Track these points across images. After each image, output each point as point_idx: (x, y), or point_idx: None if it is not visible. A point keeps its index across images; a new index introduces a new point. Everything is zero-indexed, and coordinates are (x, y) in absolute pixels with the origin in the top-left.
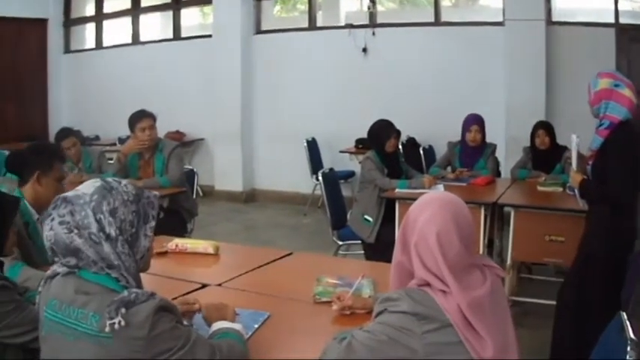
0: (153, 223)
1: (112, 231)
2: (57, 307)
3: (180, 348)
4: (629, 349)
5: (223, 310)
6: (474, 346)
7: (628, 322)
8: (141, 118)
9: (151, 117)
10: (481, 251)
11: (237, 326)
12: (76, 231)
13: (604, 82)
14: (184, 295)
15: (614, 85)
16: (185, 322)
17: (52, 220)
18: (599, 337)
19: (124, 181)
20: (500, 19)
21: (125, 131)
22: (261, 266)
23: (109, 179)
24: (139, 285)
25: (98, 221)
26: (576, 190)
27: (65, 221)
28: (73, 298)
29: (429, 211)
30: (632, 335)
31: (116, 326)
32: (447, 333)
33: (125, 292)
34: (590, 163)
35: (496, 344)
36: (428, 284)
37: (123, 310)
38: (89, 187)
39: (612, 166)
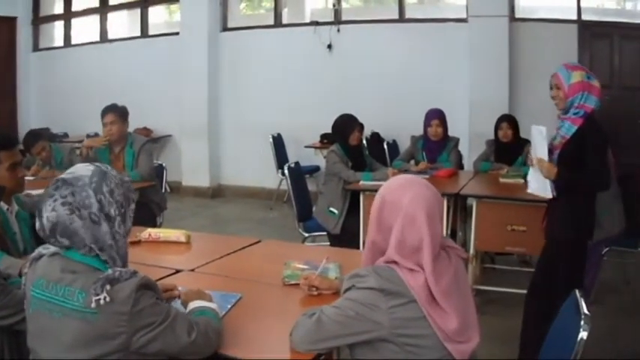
0: (133, 206)
1: (112, 211)
2: (44, 285)
3: (161, 323)
4: (582, 322)
5: (201, 293)
6: (437, 322)
7: (582, 299)
8: (103, 114)
9: (114, 113)
10: None
11: (212, 305)
12: (77, 212)
13: (578, 75)
14: (159, 280)
15: (587, 77)
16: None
17: (55, 200)
18: None
19: (109, 167)
20: (463, 15)
21: (93, 128)
22: (231, 253)
23: (99, 164)
24: (126, 265)
25: (99, 201)
26: (550, 182)
27: (68, 202)
28: (60, 277)
29: (412, 192)
30: (585, 311)
31: (101, 302)
32: (412, 308)
33: (109, 271)
34: (558, 151)
35: (460, 321)
36: (395, 262)
37: (108, 287)
38: (85, 170)
39: (592, 154)
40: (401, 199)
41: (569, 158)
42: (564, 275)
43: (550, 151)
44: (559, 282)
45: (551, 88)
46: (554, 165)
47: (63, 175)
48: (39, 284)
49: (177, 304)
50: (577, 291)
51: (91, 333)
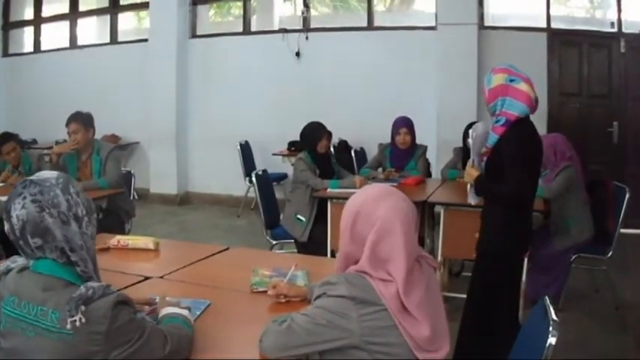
0: (96, 215)
1: (79, 211)
2: (15, 303)
3: (138, 339)
4: (551, 328)
5: (168, 302)
6: (408, 330)
7: (551, 306)
8: (67, 123)
9: (76, 121)
10: None
11: (184, 312)
12: (47, 210)
13: (498, 78)
14: (128, 287)
15: (510, 80)
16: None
17: (24, 198)
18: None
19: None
20: (432, 23)
21: (62, 134)
22: (199, 260)
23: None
24: (96, 267)
25: (67, 201)
26: (469, 186)
27: (37, 200)
28: (32, 295)
29: (388, 204)
30: (554, 317)
31: (77, 324)
32: (383, 317)
33: (82, 288)
34: (485, 160)
35: (432, 329)
36: (367, 272)
37: (82, 308)
38: (50, 173)
39: (508, 165)
40: (375, 210)
41: (492, 168)
42: (492, 294)
43: (482, 159)
44: (488, 301)
45: None
46: (478, 169)
47: (30, 177)
48: (10, 301)
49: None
50: (547, 298)
51: (67, 352)
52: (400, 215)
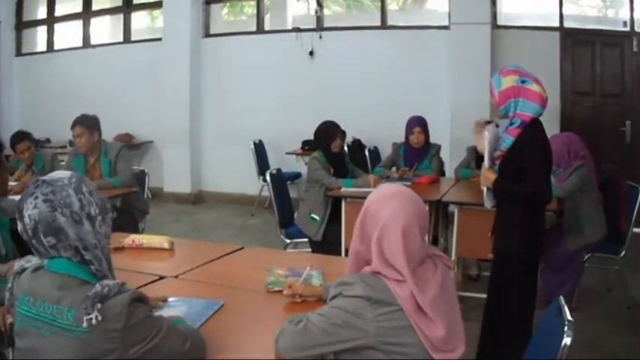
0: (111, 215)
1: (92, 210)
2: (31, 302)
3: (154, 337)
4: (566, 329)
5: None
6: (423, 331)
7: (565, 306)
8: (72, 126)
9: (81, 125)
10: None
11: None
12: (59, 209)
13: (509, 80)
14: (143, 286)
15: (521, 81)
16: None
17: (36, 198)
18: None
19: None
20: (445, 22)
21: None
22: (214, 259)
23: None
24: (110, 266)
25: (80, 200)
26: (485, 189)
27: (49, 199)
28: (47, 294)
29: (393, 204)
30: (569, 317)
31: (93, 322)
32: (398, 317)
33: (98, 286)
34: (498, 163)
35: (447, 329)
36: (381, 272)
37: (98, 305)
38: (63, 173)
39: (530, 166)
40: (381, 210)
41: (507, 171)
42: (510, 294)
43: (494, 163)
44: (506, 302)
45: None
46: (495, 172)
47: (42, 177)
48: (25, 301)
49: None
50: (561, 298)
51: (83, 351)
52: (405, 215)
